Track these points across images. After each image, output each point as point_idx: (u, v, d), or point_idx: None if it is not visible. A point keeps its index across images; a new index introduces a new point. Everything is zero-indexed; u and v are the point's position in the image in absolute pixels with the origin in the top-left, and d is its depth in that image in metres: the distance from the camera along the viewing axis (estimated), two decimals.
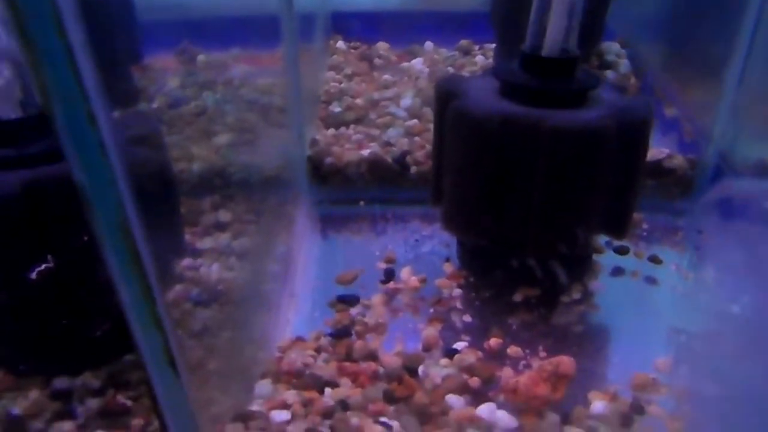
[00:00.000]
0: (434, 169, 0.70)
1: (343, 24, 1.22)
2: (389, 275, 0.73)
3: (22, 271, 0.51)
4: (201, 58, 1.17)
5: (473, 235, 0.68)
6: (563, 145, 0.57)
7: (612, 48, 1.08)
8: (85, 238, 0.49)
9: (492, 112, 0.60)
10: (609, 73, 1.02)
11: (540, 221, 0.61)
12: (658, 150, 0.82)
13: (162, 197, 0.60)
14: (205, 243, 0.69)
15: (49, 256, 0.50)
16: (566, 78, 0.63)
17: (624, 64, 1.04)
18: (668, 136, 0.91)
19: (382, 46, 1.19)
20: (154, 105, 1.02)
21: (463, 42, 1.17)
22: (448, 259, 0.75)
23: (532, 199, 0.60)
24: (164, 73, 1.14)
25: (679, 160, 0.81)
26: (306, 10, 1.03)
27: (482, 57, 1.11)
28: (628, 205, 0.63)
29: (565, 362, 0.54)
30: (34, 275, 0.50)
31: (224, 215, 0.71)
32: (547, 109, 0.60)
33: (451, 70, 1.07)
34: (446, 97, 0.65)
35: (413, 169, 0.84)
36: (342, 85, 1.04)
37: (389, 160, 0.84)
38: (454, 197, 0.65)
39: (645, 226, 0.79)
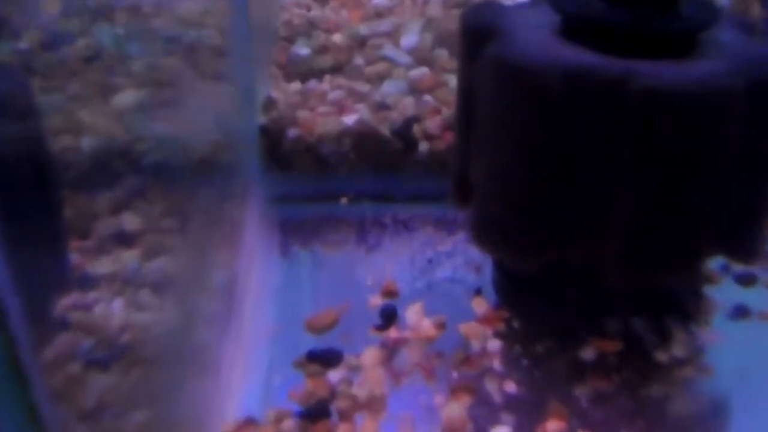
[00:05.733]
0: (458, 149, 0.60)
1: None
2: (388, 317, 0.61)
3: None
4: None
5: (520, 255, 0.59)
6: (664, 115, 0.49)
7: None
8: None
9: (552, 63, 0.50)
10: None
11: (626, 234, 0.53)
12: None
13: (31, 193, 0.46)
14: (102, 266, 0.53)
15: None
16: (666, 13, 0.53)
17: None
18: None
19: None
20: (22, 45, 0.90)
21: None
22: (479, 292, 0.63)
23: (614, 201, 0.53)
24: None
25: None
26: None
27: None
28: (758, 211, 0.55)
29: None
30: None
31: (131, 221, 0.56)
32: (638, 60, 0.50)
33: None
34: (479, 37, 0.55)
35: (423, 146, 0.73)
36: (311, 12, 0.90)
37: (386, 132, 0.73)
38: (491, 195, 0.57)
39: None
